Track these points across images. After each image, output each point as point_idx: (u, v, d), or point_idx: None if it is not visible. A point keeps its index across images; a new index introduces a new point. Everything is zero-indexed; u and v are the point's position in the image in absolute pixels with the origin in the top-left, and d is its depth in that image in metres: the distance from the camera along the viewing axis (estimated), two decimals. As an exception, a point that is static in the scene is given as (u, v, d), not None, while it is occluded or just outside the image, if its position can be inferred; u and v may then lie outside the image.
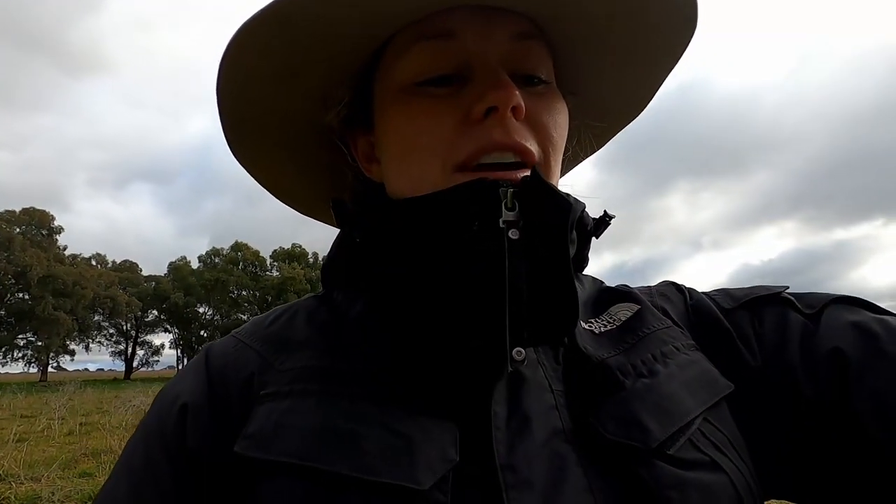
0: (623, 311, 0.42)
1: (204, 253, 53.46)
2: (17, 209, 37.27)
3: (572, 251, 0.39)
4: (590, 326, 0.41)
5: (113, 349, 53.69)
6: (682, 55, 0.44)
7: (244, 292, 52.34)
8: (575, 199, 0.38)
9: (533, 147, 0.39)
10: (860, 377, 0.35)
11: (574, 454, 0.32)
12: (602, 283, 0.49)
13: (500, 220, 0.35)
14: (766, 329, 0.40)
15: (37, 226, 37.42)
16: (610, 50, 0.43)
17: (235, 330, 0.42)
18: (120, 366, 55.08)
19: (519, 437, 0.32)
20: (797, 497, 0.39)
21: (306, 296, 0.46)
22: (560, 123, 0.41)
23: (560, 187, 0.40)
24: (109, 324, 50.31)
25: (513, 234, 0.35)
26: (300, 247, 55.34)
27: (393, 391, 0.35)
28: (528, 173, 0.37)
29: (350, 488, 0.30)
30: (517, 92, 0.37)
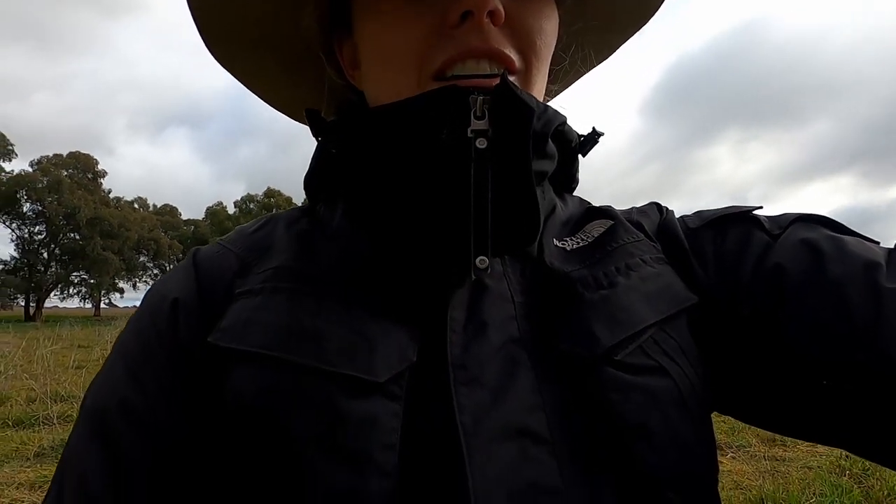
0: (597, 228, 0.42)
1: (239, 199, 54.90)
2: (63, 153, 38.73)
3: (549, 166, 0.40)
4: (563, 244, 0.41)
5: (158, 288, 56.85)
6: None
7: (278, 238, 53.74)
8: (547, 107, 0.38)
9: (512, 54, 0.38)
10: (796, 295, 0.35)
11: (527, 360, 0.33)
12: (589, 203, 0.48)
13: (469, 130, 0.35)
14: (727, 247, 0.40)
15: (82, 169, 38.92)
16: None
17: (220, 238, 0.43)
18: (165, 304, 58.43)
19: (474, 341, 0.33)
20: (737, 414, 0.41)
21: (291, 208, 0.47)
22: (546, 29, 0.40)
23: (555, 105, 0.40)
24: (154, 265, 52.99)
25: (480, 143, 0.35)
26: (331, 194, 55.89)
27: (360, 295, 0.36)
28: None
29: (311, 378, 0.32)
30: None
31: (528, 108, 0.35)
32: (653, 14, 0.48)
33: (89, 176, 39.36)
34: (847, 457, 3.22)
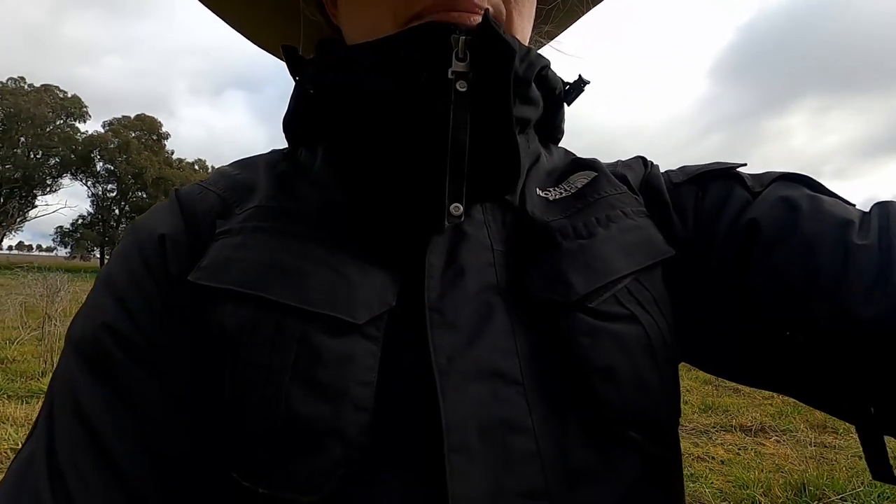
0: (580, 179, 0.42)
1: (291, 162, 56.37)
2: (131, 115, 40.90)
3: (532, 112, 0.39)
4: (546, 194, 0.41)
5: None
6: None
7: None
8: (530, 49, 0.37)
9: (491, 3, 0.36)
10: (767, 250, 0.36)
11: (503, 305, 0.34)
12: (574, 155, 0.48)
13: (450, 71, 0.34)
14: (707, 202, 0.41)
15: (148, 131, 40.98)
16: None
17: (202, 179, 0.43)
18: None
19: (451, 286, 0.34)
20: (701, 364, 0.42)
21: (270, 150, 0.46)
22: None
23: (546, 50, 0.37)
24: (212, 224, 55.94)
25: (461, 85, 0.34)
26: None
27: (341, 238, 0.36)
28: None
29: (291, 317, 0.32)
30: None
31: (509, 49, 0.34)
32: None
33: (154, 138, 41.42)
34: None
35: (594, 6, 0.50)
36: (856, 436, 0.34)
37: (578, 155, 0.47)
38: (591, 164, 0.44)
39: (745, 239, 0.37)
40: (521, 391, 0.32)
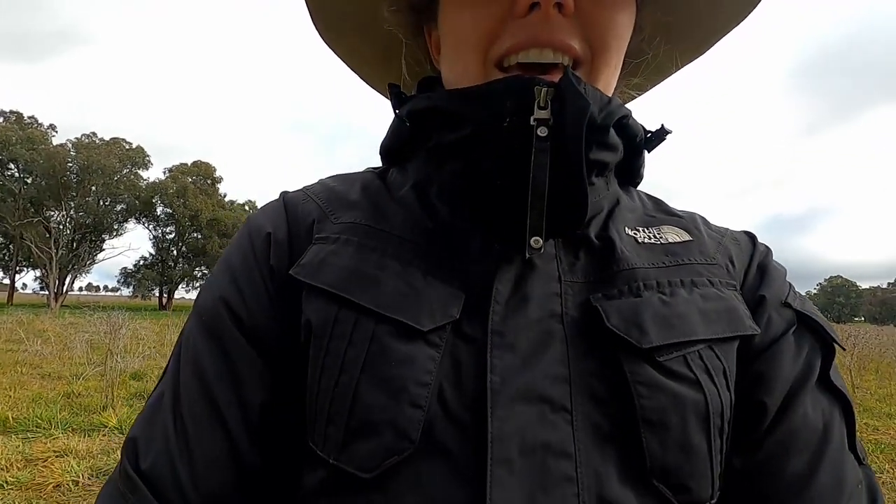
0: (672, 234, 0.44)
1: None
2: (188, 161, 43.72)
3: (610, 157, 0.42)
4: (634, 233, 0.43)
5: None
6: None
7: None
8: (611, 99, 0.40)
9: (578, 44, 0.39)
10: (784, 450, 0.38)
11: (563, 334, 0.36)
12: (663, 202, 0.50)
13: (532, 118, 0.37)
14: (791, 351, 0.40)
15: (203, 176, 43.61)
16: None
17: (305, 186, 0.49)
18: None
19: (514, 312, 0.37)
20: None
21: (366, 167, 0.52)
22: (618, 21, 0.40)
23: (628, 99, 0.41)
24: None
25: (541, 131, 0.37)
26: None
27: (417, 256, 0.40)
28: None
29: (366, 317, 0.37)
30: None
31: (585, 102, 0.37)
32: (740, 20, 0.46)
33: (208, 182, 43.99)
34: None
35: (683, 66, 0.52)
36: None
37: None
38: (687, 222, 0.46)
39: (776, 413, 0.39)
40: (569, 418, 0.34)
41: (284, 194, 0.48)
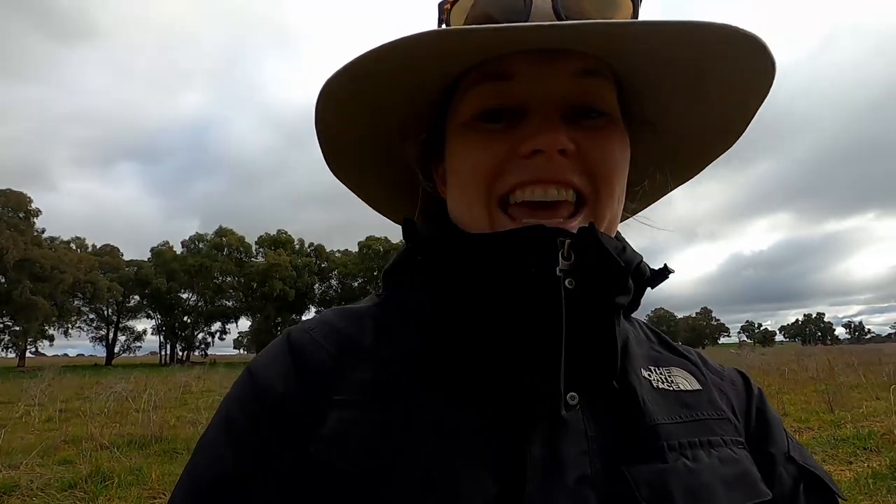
0: (682, 381, 0.46)
1: (187, 238, 52.68)
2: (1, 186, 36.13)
3: (625, 300, 0.42)
4: (648, 375, 0.44)
5: (94, 334, 52.72)
6: (765, 89, 0.41)
7: (228, 278, 51.70)
8: (625, 248, 0.42)
9: (581, 182, 0.41)
10: None
11: (595, 499, 0.36)
12: (662, 334, 0.52)
13: (558, 269, 0.38)
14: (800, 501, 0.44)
15: (13, 208, 36.36)
16: (679, 85, 0.43)
17: (308, 325, 0.45)
18: (101, 351, 54.13)
19: (549, 479, 0.36)
20: None
21: (368, 298, 0.49)
22: (616, 158, 0.42)
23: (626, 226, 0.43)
24: (90, 309, 49.38)
25: (569, 283, 0.38)
26: (286, 233, 54.66)
27: (445, 418, 0.37)
28: (583, 223, 0.40)
29: None
30: (563, 137, 0.39)
31: (618, 266, 0.39)
32: (731, 142, 0.49)
33: (21, 215, 36.77)
34: None
35: (677, 187, 0.54)
36: None
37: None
38: (692, 364, 0.49)
39: None
40: None
41: (288, 337, 0.44)
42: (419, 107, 0.46)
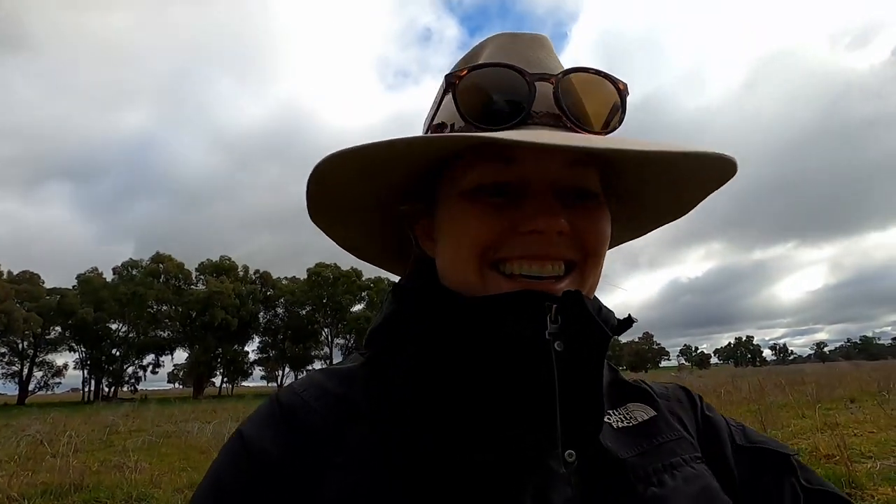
0: (639, 412, 0.49)
1: (119, 264, 49.27)
2: None
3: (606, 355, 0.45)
4: (608, 419, 0.47)
5: (5, 370, 47.67)
6: (718, 187, 0.49)
7: (164, 307, 48.58)
8: (601, 308, 0.46)
9: (573, 254, 0.44)
10: None
11: None
12: (616, 372, 0.55)
13: (547, 332, 0.41)
14: (763, 481, 0.49)
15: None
16: (653, 180, 0.50)
17: (297, 388, 0.46)
18: (13, 389, 49.04)
19: None
20: None
21: (352, 357, 0.51)
22: (606, 234, 0.47)
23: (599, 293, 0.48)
24: (2, 342, 44.73)
25: (558, 345, 0.41)
26: (229, 259, 52.41)
27: (438, 478, 0.39)
28: (569, 286, 0.43)
29: None
30: (562, 220, 0.42)
31: (603, 334, 0.42)
32: (682, 215, 0.55)
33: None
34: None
35: (646, 233, 0.60)
36: None
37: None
38: (644, 394, 0.52)
39: None
40: None
41: (278, 401, 0.45)
42: (415, 175, 0.48)
